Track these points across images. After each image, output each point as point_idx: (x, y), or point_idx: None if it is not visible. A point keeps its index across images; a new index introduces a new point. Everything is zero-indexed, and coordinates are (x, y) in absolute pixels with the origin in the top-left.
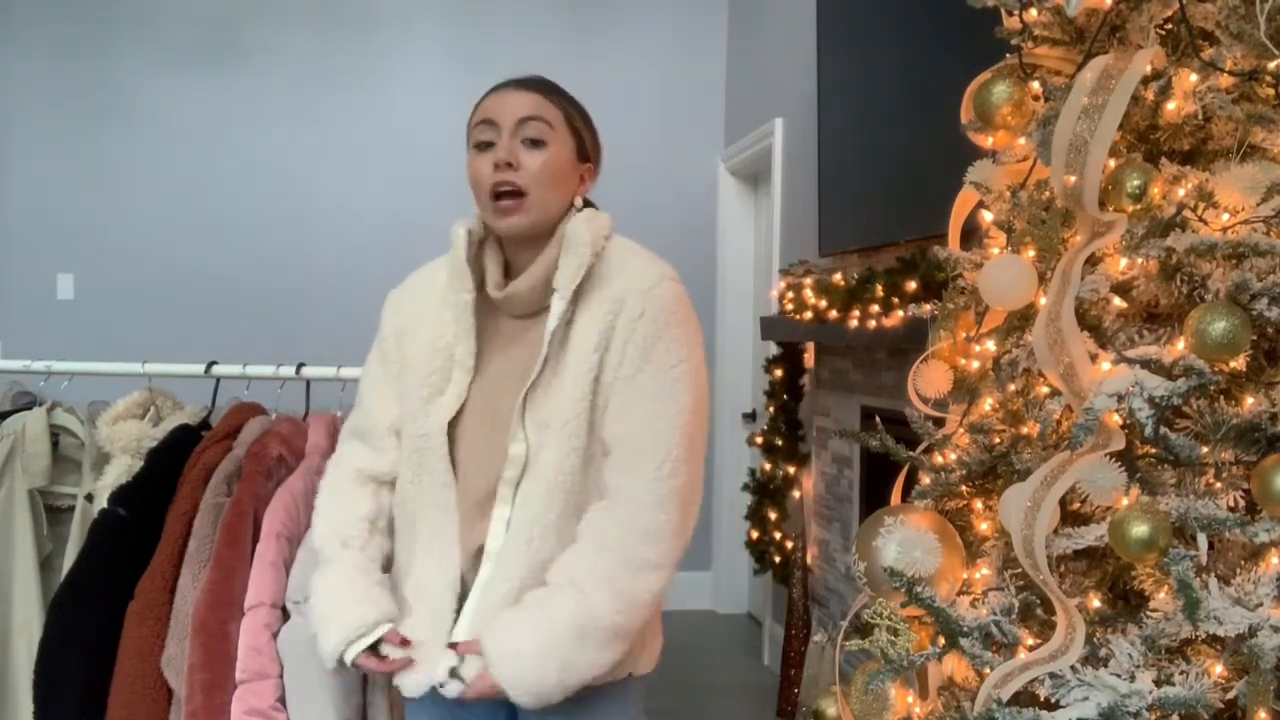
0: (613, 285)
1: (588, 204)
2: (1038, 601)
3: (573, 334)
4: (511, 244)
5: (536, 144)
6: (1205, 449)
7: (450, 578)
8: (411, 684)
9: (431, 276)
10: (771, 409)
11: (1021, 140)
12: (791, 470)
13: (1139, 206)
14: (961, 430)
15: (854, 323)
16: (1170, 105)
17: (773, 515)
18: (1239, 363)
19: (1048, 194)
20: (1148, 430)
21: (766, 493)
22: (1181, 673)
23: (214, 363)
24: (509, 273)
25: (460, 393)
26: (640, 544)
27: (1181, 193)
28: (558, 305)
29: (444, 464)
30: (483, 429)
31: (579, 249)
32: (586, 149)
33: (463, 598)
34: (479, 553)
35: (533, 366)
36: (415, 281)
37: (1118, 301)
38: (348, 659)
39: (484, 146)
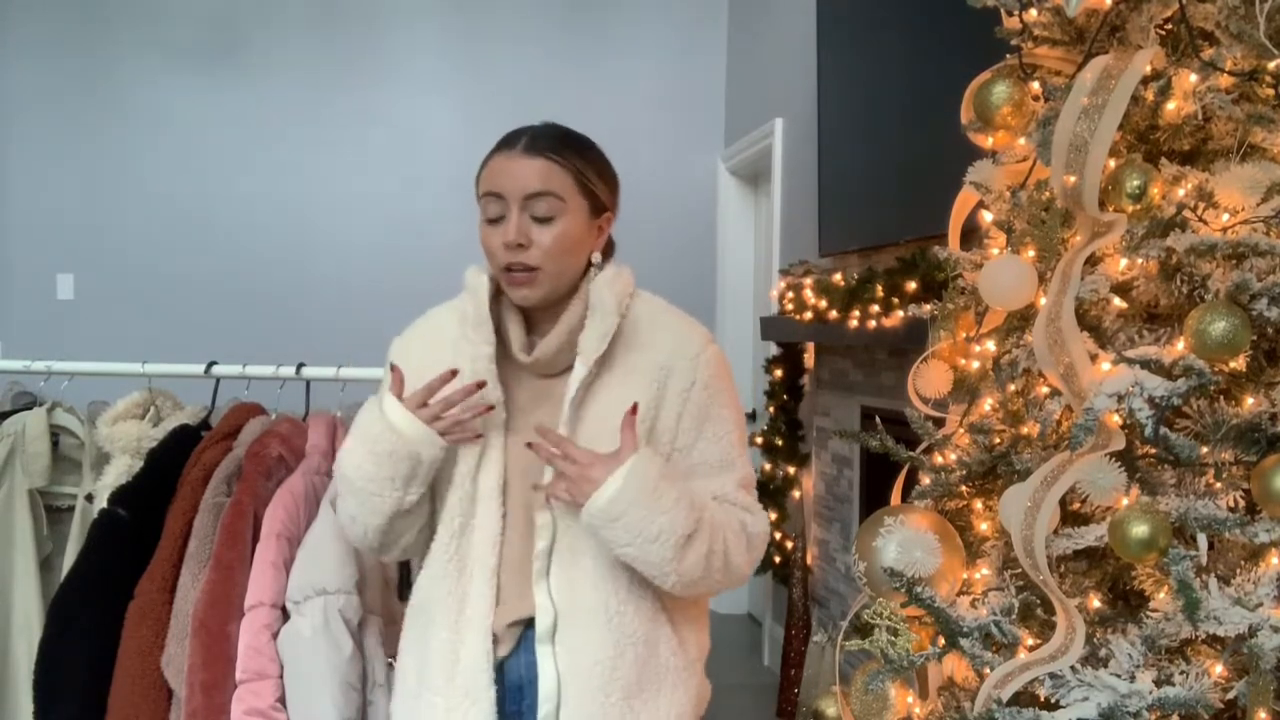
0: (652, 351)
1: (610, 246)
2: (1038, 601)
3: (600, 398)
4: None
5: (547, 220)
6: (1205, 449)
7: (486, 649)
8: None
9: (437, 325)
10: (771, 409)
11: (1021, 140)
12: (791, 470)
13: (1139, 206)
14: (961, 430)
15: (854, 323)
16: (1170, 105)
17: (773, 515)
18: (1239, 363)
19: (1048, 194)
20: (1148, 430)
21: (766, 493)
22: (1181, 673)
23: (214, 363)
24: (530, 329)
25: (500, 452)
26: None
27: (1181, 193)
28: (580, 371)
29: (497, 524)
30: (522, 492)
31: (604, 316)
32: (603, 203)
33: (499, 674)
34: (522, 622)
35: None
36: (419, 331)
37: (1118, 301)
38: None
39: (494, 220)
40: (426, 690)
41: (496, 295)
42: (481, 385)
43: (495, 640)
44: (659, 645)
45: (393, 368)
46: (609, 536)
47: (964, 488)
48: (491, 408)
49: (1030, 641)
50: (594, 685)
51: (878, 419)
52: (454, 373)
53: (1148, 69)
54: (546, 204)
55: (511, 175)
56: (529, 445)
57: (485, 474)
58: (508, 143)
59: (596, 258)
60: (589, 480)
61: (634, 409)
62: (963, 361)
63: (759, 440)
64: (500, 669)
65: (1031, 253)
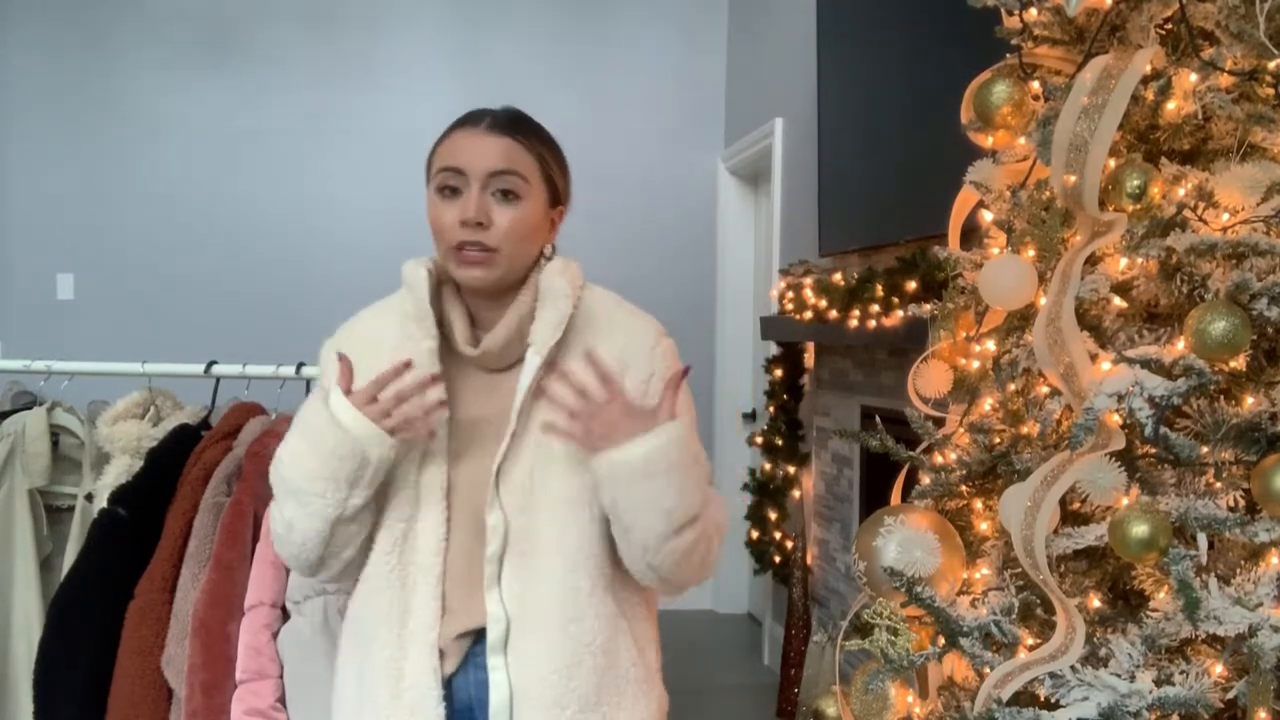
0: (606, 344)
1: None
2: (1038, 601)
3: (554, 393)
4: (474, 293)
5: (508, 196)
6: (1205, 449)
7: (432, 665)
8: None
9: (377, 321)
10: (771, 409)
11: (1021, 140)
12: (791, 470)
13: (1139, 206)
14: (961, 430)
15: (854, 323)
16: (1170, 105)
17: (773, 515)
18: (1239, 363)
19: (1048, 194)
20: (1148, 430)
21: (766, 493)
22: (1181, 673)
23: (214, 363)
24: (475, 323)
25: (444, 453)
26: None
27: (1181, 193)
28: (533, 361)
29: (441, 528)
30: (469, 495)
31: (557, 303)
32: (559, 194)
33: (446, 692)
34: (470, 635)
35: (506, 425)
36: (359, 328)
37: (1118, 301)
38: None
39: (449, 193)
40: (368, 711)
41: (437, 289)
42: (436, 379)
43: (441, 655)
44: (619, 654)
45: (341, 357)
46: (628, 492)
47: (964, 488)
48: (444, 402)
49: (1030, 641)
50: (548, 698)
51: (878, 419)
52: (408, 364)
53: (1148, 69)
54: (509, 182)
55: (475, 152)
56: (561, 378)
57: (427, 476)
58: (471, 120)
59: (549, 249)
60: (623, 429)
61: (686, 370)
62: (963, 361)
63: (759, 440)
64: (448, 686)
65: (1031, 252)
